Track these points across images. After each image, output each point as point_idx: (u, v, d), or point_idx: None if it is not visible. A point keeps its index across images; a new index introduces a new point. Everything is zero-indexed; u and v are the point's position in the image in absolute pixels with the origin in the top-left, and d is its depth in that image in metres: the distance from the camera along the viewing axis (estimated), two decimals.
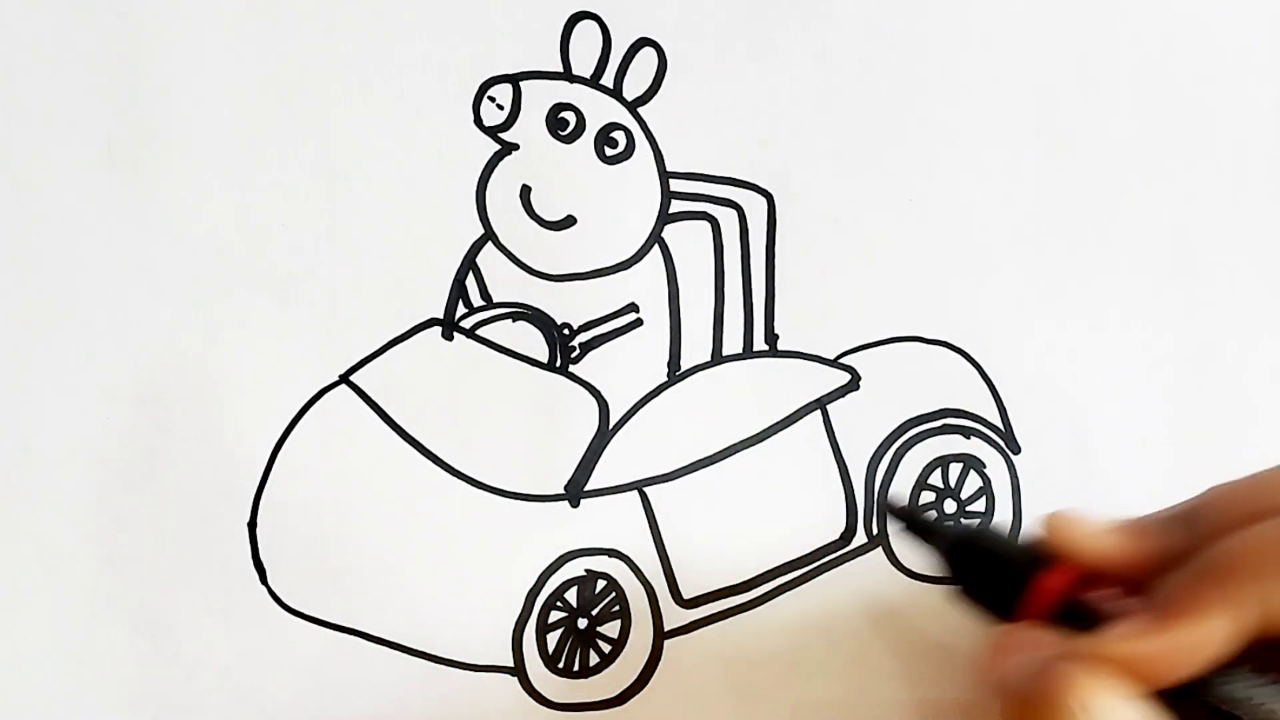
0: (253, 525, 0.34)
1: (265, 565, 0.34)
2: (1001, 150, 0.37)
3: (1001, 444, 0.37)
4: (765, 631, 0.35)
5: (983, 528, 0.32)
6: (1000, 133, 0.37)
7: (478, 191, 0.35)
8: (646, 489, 0.35)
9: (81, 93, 0.34)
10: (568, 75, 0.36)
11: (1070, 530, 0.29)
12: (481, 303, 0.35)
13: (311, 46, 0.35)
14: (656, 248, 0.36)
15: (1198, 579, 0.26)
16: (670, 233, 0.36)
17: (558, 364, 0.35)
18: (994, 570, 0.30)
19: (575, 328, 0.35)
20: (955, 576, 0.31)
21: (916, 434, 0.37)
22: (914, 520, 0.32)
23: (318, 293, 0.35)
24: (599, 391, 0.35)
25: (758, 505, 0.36)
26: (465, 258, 0.35)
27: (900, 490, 0.36)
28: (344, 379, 0.35)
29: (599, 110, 0.36)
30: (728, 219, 0.36)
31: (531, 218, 0.35)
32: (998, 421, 0.37)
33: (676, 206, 0.36)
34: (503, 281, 0.35)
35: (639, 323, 0.36)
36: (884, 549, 0.36)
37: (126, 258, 0.34)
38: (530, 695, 0.34)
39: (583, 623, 0.35)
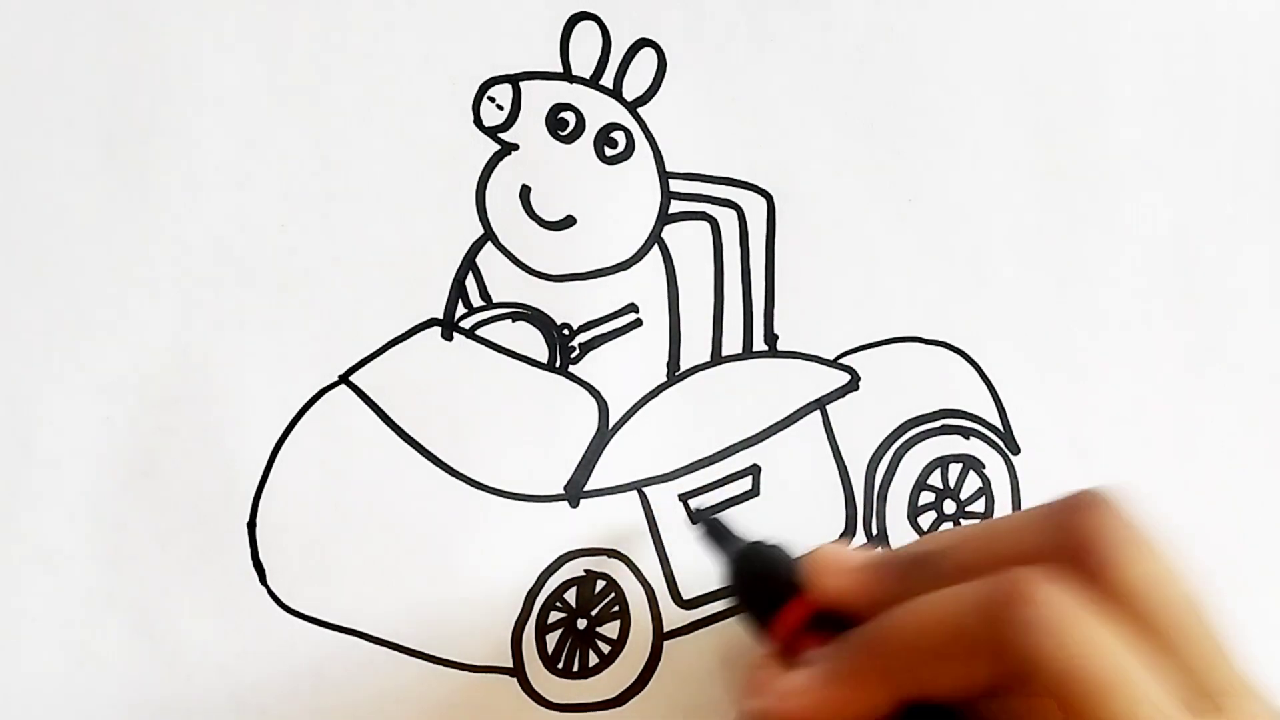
0: (253, 525, 0.34)
1: (265, 565, 0.34)
2: (1001, 151, 0.37)
3: (1001, 444, 0.37)
4: None
5: (766, 547, 0.32)
6: (1000, 133, 0.37)
7: (478, 191, 0.35)
8: (646, 489, 0.35)
9: (81, 93, 0.34)
10: (568, 75, 0.36)
11: (819, 565, 0.30)
12: (481, 303, 0.35)
13: (311, 46, 0.35)
14: (656, 248, 0.36)
15: (853, 650, 0.27)
16: (670, 233, 0.36)
17: (557, 364, 0.35)
18: (758, 591, 0.31)
19: (575, 328, 0.35)
20: (732, 590, 0.32)
21: (916, 434, 0.37)
22: (711, 527, 0.34)
23: (318, 293, 0.35)
24: (599, 392, 0.35)
25: (758, 505, 0.36)
26: (465, 258, 0.35)
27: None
28: (344, 379, 0.35)
29: (599, 110, 0.36)
30: (727, 219, 0.36)
31: (531, 218, 0.35)
32: (997, 422, 0.37)
33: (676, 207, 0.36)
34: (502, 282, 0.35)
35: (639, 323, 0.36)
36: (884, 549, 0.36)
37: (126, 258, 0.34)
38: (529, 695, 0.34)
39: (582, 623, 0.35)
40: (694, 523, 0.35)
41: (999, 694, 0.25)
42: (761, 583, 0.31)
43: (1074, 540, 0.26)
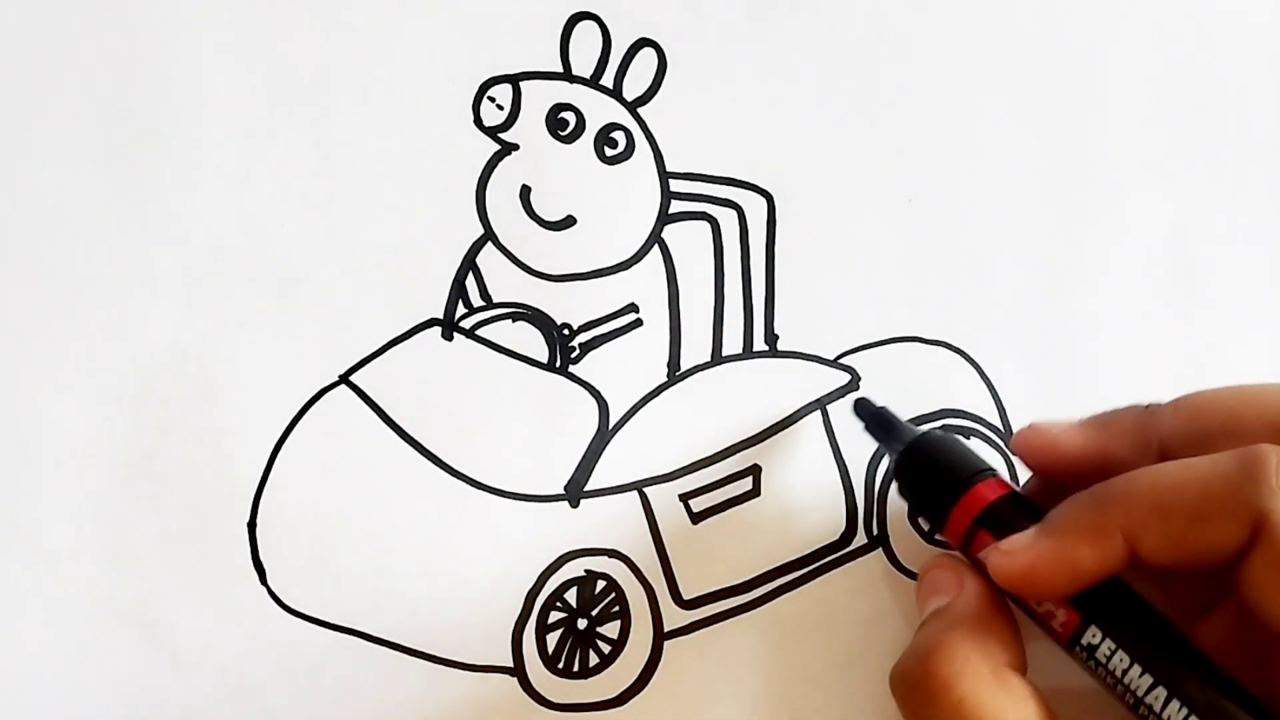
0: (253, 525, 0.34)
1: (265, 565, 0.34)
2: (1001, 150, 0.37)
3: (1001, 444, 0.37)
4: (765, 632, 0.35)
5: (942, 435, 0.33)
6: (1000, 133, 0.37)
7: (478, 191, 0.35)
8: (646, 489, 0.35)
9: (81, 93, 0.34)
10: (568, 75, 0.36)
11: (1037, 434, 0.31)
12: (481, 303, 0.35)
13: (311, 46, 0.35)
14: (656, 248, 0.36)
15: (1080, 507, 0.28)
16: (670, 233, 0.36)
17: (558, 364, 0.35)
18: (933, 480, 0.32)
19: (575, 328, 0.35)
20: (900, 484, 0.33)
21: None
22: (877, 419, 0.34)
23: (318, 293, 0.35)
24: (599, 392, 0.35)
25: (758, 505, 0.36)
26: (465, 258, 0.35)
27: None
28: (344, 379, 0.35)
29: (599, 110, 0.36)
30: (728, 219, 0.36)
31: (531, 218, 0.35)
32: (997, 421, 0.37)
33: (676, 207, 0.36)
34: (503, 282, 0.35)
35: (639, 323, 0.36)
36: (884, 549, 0.36)
37: (126, 258, 0.34)
38: (530, 695, 0.34)
39: (582, 623, 0.35)
40: (857, 412, 0.35)
41: (1227, 562, 0.26)
42: (941, 471, 0.32)
43: None
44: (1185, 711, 0.27)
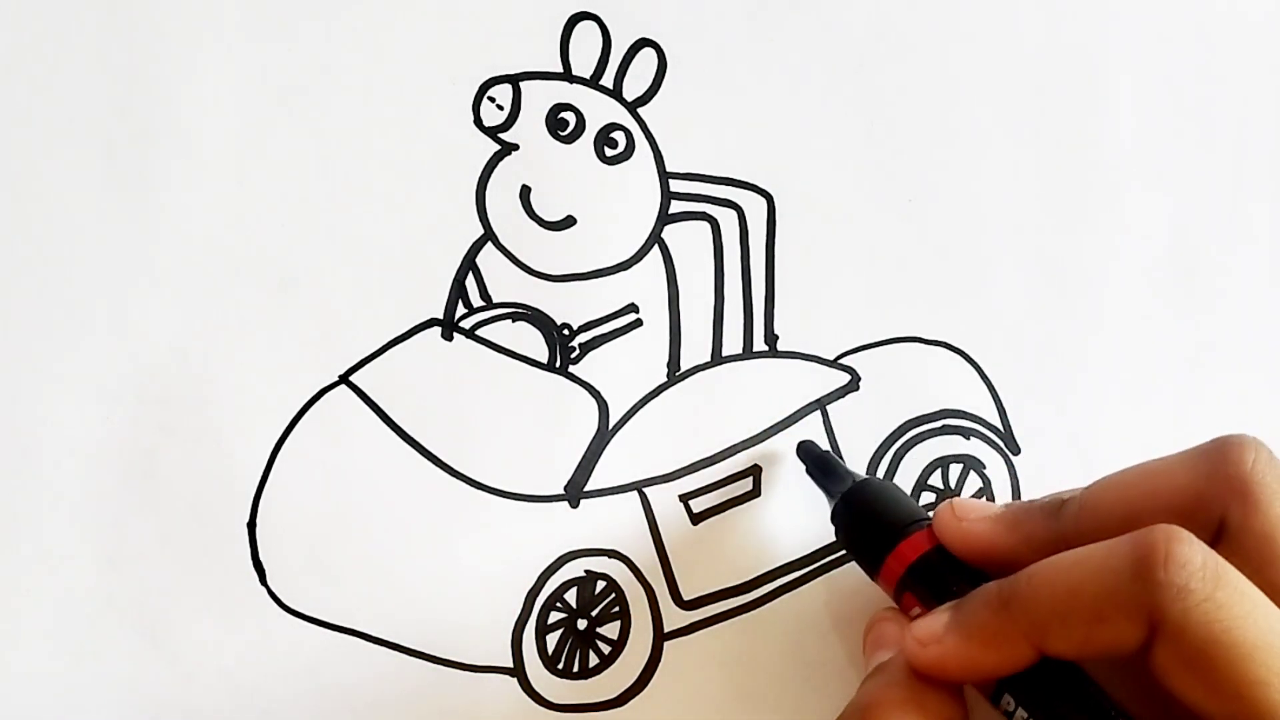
0: (252, 525, 0.34)
1: (265, 565, 0.34)
2: (1001, 150, 0.37)
3: (1001, 444, 0.37)
4: (765, 632, 0.35)
5: (880, 482, 0.33)
6: (1000, 132, 0.37)
7: (478, 192, 0.35)
8: (646, 489, 0.35)
9: (82, 94, 0.34)
10: (568, 76, 0.36)
11: (950, 510, 0.31)
12: (481, 303, 0.35)
13: (311, 47, 0.35)
14: (656, 248, 0.36)
15: (986, 610, 0.28)
16: (670, 233, 0.36)
17: (557, 364, 0.35)
18: (869, 527, 0.32)
19: (575, 328, 0.35)
20: (838, 526, 0.33)
21: (916, 435, 0.37)
22: (819, 463, 0.35)
23: (318, 293, 0.35)
24: (599, 392, 0.35)
25: (758, 506, 0.36)
26: (465, 258, 0.35)
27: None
28: (344, 379, 0.35)
29: (599, 110, 0.36)
30: (728, 219, 0.36)
31: (531, 218, 0.35)
32: (997, 422, 0.37)
33: (676, 207, 0.36)
34: (503, 282, 0.35)
35: (639, 323, 0.36)
36: None
37: (126, 258, 0.34)
38: (529, 696, 0.34)
39: (582, 623, 0.35)
40: (800, 454, 0.35)
41: (1132, 653, 0.26)
42: (875, 520, 0.32)
43: (1227, 482, 0.27)
44: None
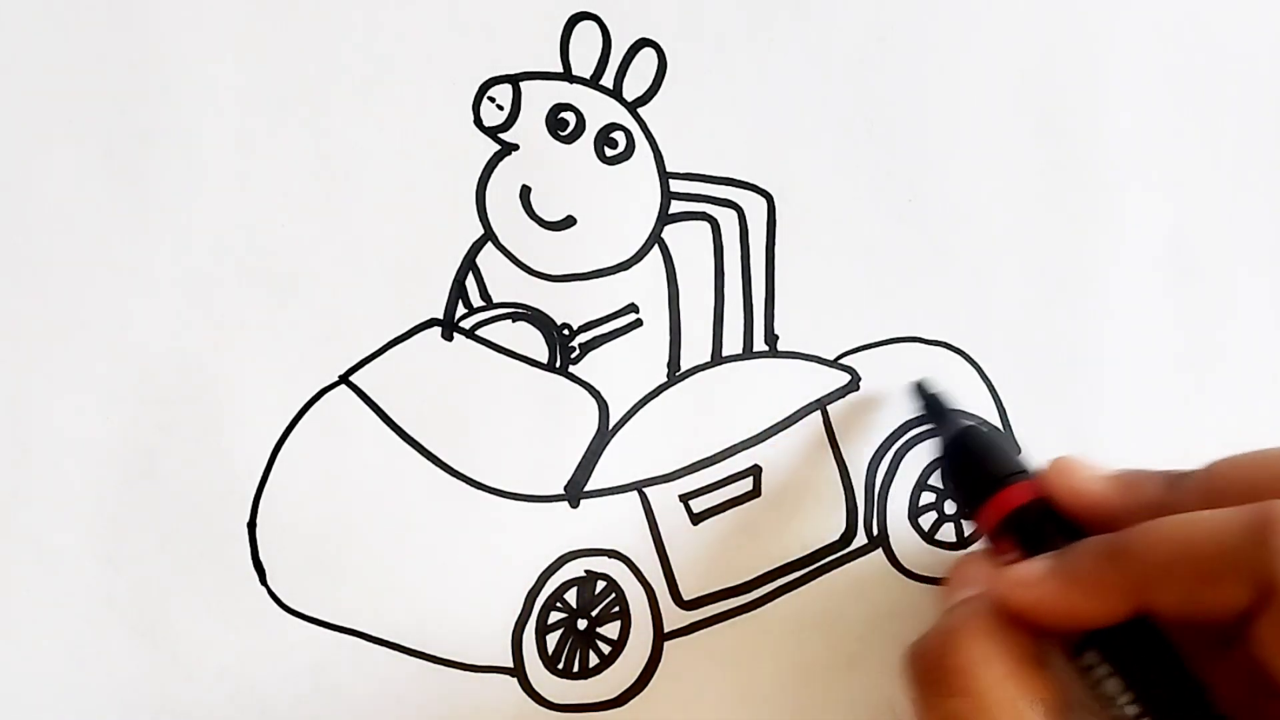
0: (253, 525, 0.34)
1: (265, 565, 0.34)
2: (1001, 150, 0.37)
3: None
4: (765, 632, 0.35)
5: (989, 429, 0.34)
6: (1000, 132, 0.37)
7: (478, 192, 0.35)
8: (646, 489, 0.35)
9: (82, 94, 0.34)
10: (568, 75, 0.36)
11: (1066, 472, 0.32)
12: (481, 303, 0.35)
13: (311, 47, 0.35)
14: (656, 248, 0.36)
15: (1095, 559, 0.28)
16: (670, 233, 0.36)
17: (558, 364, 0.35)
18: (975, 472, 0.33)
19: (575, 328, 0.35)
20: (945, 467, 0.34)
21: (916, 434, 0.37)
22: (932, 403, 0.35)
23: (318, 293, 0.35)
24: (599, 392, 0.35)
25: (758, 506, 0.36)
26: (465, 258, 0.35)
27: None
28: (344, 379, 0.35)
29: (599, 110, 0.36)
30: (728, 219, 0.36)
31: (531, 218, 0.35)
32: (998, 422, 0.37)
33: (676, 207, 0.36)
34: (503, 282, 0.35)
35: (639, 323, 0.36)
36: (884, 549, 0.36)
37: (127, 258, 0.34)
38: (530, 696, 0.34)
39: (582, 623, 0.35)
40: (913, 391, 0.36)
41: (1234, 619, 0.26)
42: (984, 463, 0.33)
43: None
44: None
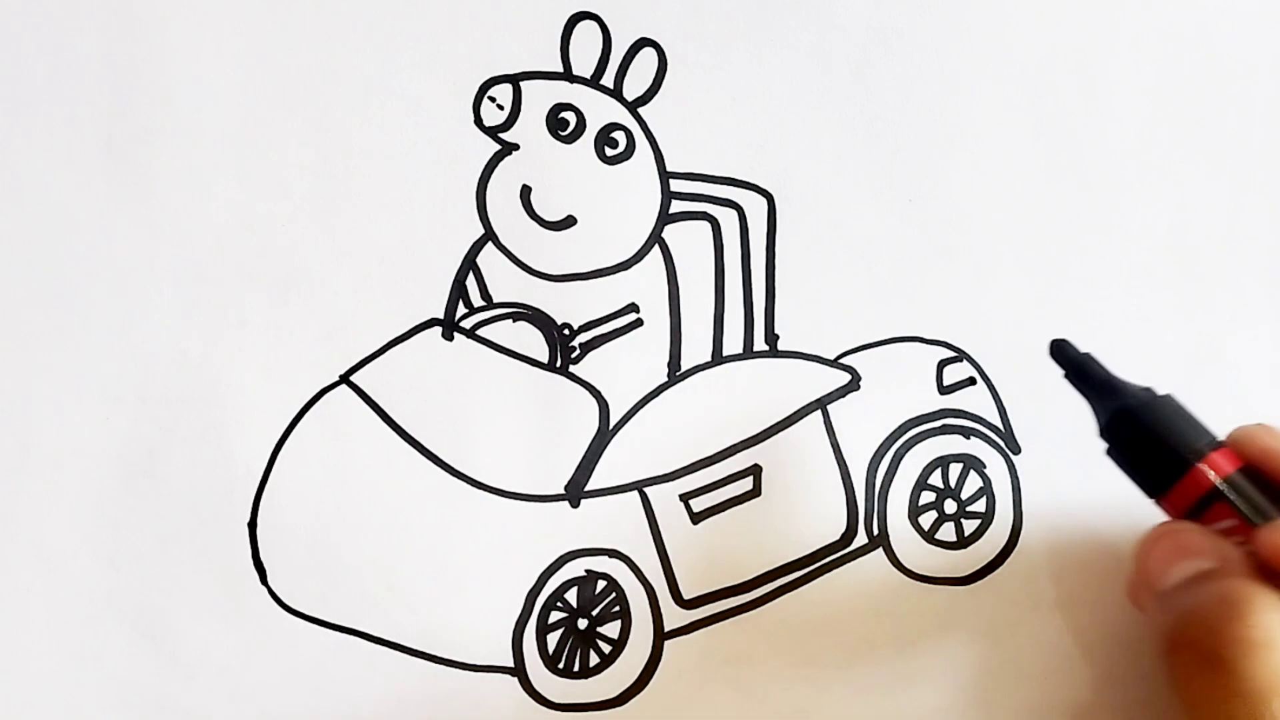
0: (253, 525, 0.34)
1: (265, 565, 0.34)
2: (1001, 150, 0.37)
3: (1001, 444, 0.37)
4: (765, 632, 0.35)
5: (1165, 399, 0.32)
6: (1000, 133, 0.37)
7: (478, 191, 0.35)
8: (647, 489, 0.35)
9: (82, 93, 0.34)
10: (568, 75, 0.36)
11: (1264, 432, 0.31)
12: (482, 303, 0.35)
13: (312, 47, 0.35)
14: (657, 248, 0.36)
15: None
16: (670, 233, 0.36)
17: (558, 364, 0.35)
18: (1154, 447, 0.31)
19: (575, 328, 0.35)
20: (1111, 443, 0.32)
21: (916, 434, 0.37)
22: (1079, 369, 0.33)
23: (318, 293, 0.35)
24: (599, 391, 0.35)
25: (758, 505, 0.36)
26: (465, 258, 0.35)
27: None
28: (344, 379, 0.35)
29: (599, 110, 0.36)
30: (728, 219, 0.36)
31: (532, 218, 0.35)
32: (998, 421, 0.37)
33: (677, 206, 0.36)
34: (503, 281, 0.35)
35: (639, 323, 0.36)
36: (884, 549, 0.36)
37: (127, 258, 0.34)
38: (530, 695, 0.34)
39: (583, 623, 0.35)
40: (1054, 356, 0.34)
41: None
42: (1162, 440, 0.31)
43: None
44: None
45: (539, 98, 0.36)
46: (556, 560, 0.35)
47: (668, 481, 0.35)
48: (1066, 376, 0.33)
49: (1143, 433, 0.32)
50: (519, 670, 0.34)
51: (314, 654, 0.34)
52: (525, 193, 0.35)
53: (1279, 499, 0.30)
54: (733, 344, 0.36)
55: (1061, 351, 0.33)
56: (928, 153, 0.37)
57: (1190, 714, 0.28)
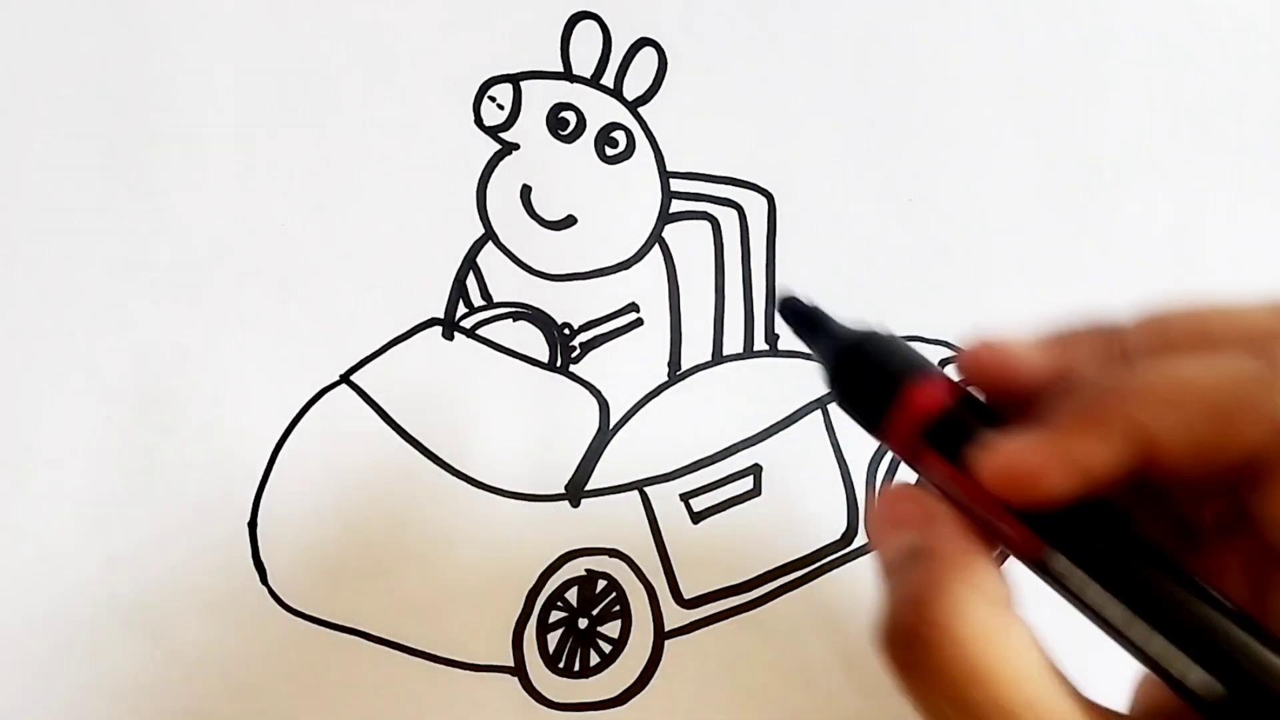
0: (253, 525, 0.34)
1: (265, 565, 0.34)
2: (1001, 150, 0.37)
3: None
4: (765, 632, 0.35)
5: (882, 333, 0.28)
6: (1000, 133, 0.37)
7: (478, 191, 0.35)
8: (647, 488, 0.35)
9: (82, 93, 0.34)
10: (568, 75, 0.36)
11: (988, 353, 0.27)
12: (482, 303, 0.35)
13: (312, 47, 0.35)
14: (657, 247, 0.36)
15: (1088, 397, 0.25)
16: (671, 232, 0.36)
17: (558, 364, 0.35)
18: (876, 380, 0.27)
19: (576, 328, 0.35)
20: (836, 385, 0.28)
21: None
22: (806, 320, 0.29)
23: (318, 293, 0.35)
24: (599, 391, 0.35)
25: (758, 505, 0.36)
26: (466, 258, 0.35)
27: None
28: (344, 379, 0.35)
29: (599, 110, 0.36)
30: (728, 219, 0.36)
31: (532, 218, 0.35)
32: None
33: (677, 206, 0.36)
34: (503, 281, 0.35)
35: (639, 322, 0.36)
36: None
37: (127, 257, 0.34)
38: (530, 695, 0.34)
39: (583, 622, 0.35)
40: (782, 313, 0.29)
41: (1247, 469, 0.24)
42: (883, 371, 0.26)
43: None
44: (1158, 639, 0.23)
45: (539, 97, 0.36)
46: (557, 560, 0.35)
47: (668, 481, 0.35)
48: (796, 332, 0.29)
49: (859, 369, 0.27)
50: (519, 670, 0.34)
51: (314, 654, 0.34)
52: (525, 192, 0.35)
53: (995, 422, 0.25)
54: (733, 344, 0.36)
55: (790, 307, 0.29)
56: (928, 153, 0.37)
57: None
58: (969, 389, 0.27)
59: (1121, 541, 0.24)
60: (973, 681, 0.24)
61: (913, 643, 0.25)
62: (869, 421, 0.27)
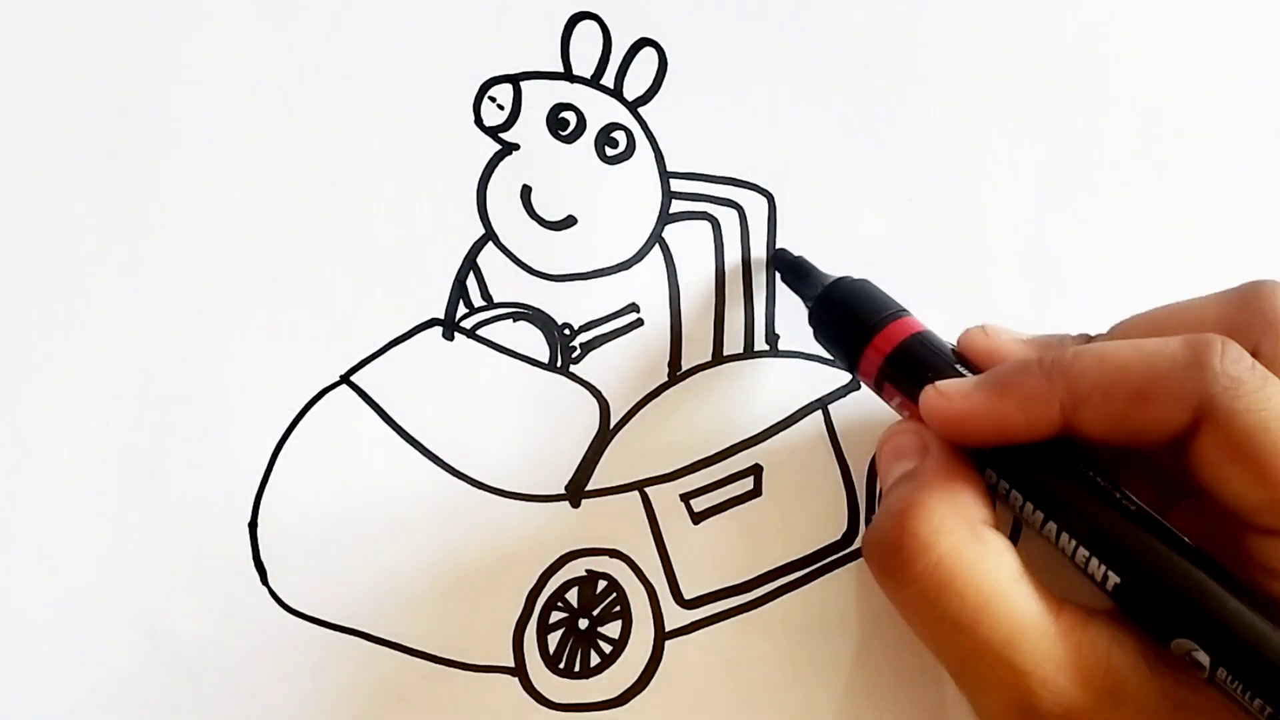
0: (253, 525, 0.34)
1: (265, 565, 0.34)
2: (1002, 150, 0.37)
3: None
4: (766, 632, 0.35)
5: (855, 280, 0.34)
6: (1000, 132, 0.37)
7: (478, 191, 0.35)
8: (647, 489, 0.35)
9: (82, 94, 0.34)
10: (568, 75, 0.36)
11: (983, 335, 0.32)
12: (482, 303, 0.35)
13: (312, 47, 0.35)
14: (657, 248, 0.36)
15: (1025, 373, 0.29)
16: (671, 233, 0.36)
17: (558, 364, 0.35)
18: (847, 322, 0.33)
19: (576, 328, 0.35)
20: (816, 327, 0.34)
21: None
22: (794, 268, 0.35)
23: (318, 293, 0.35)
24: (599, 391, 0.35)
25: (759, 505, 0.36)
26: (466, 258, 0.35)
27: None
28: (344, 379, 0.35)
29: (599, 110, 0.36)
30: (728, 219, 0.36)
31: (532, 218, 0.35)
32: None
33: (677, 206, 0.36)
34: (503, 281, 0.35)
35: (639, 323, 0.36)
36: None
37: (127, 258, 0.34)
38: (530, 695, 0.34)
39: (583, 623, 0.35)
40: (774, 264, 0.36)
41: (1165, 443, 0.27)
42: (852, 314, 0.33)
43: (1261, 316, 0.29)
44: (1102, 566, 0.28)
45: (539, 98, 0.36)
46: (557, 560, 0.35)
47: (668, 481, 0.35)
48: (783, 279, 0.35)
49: (833, 311, 0.33)
50: (519, 670, 0.34)
51: (314, 654, 0.34)
52: (525, 193, 0.35)
53: (950, 366, 0.31)
54: (733, 343, 0.36)
55: (780, 258, 0.35)
56: (928, 153, 0.37)
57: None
58: (928, 331, 0.32)
59: (1041, 461, 0.29)
60: (943, 586, 0.28)
61: (893, 551, 0.28)
62: (843, 353, 0.33)
